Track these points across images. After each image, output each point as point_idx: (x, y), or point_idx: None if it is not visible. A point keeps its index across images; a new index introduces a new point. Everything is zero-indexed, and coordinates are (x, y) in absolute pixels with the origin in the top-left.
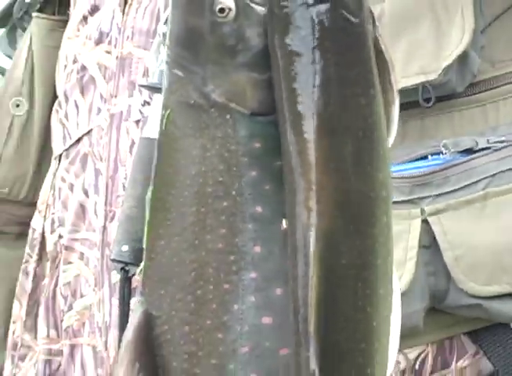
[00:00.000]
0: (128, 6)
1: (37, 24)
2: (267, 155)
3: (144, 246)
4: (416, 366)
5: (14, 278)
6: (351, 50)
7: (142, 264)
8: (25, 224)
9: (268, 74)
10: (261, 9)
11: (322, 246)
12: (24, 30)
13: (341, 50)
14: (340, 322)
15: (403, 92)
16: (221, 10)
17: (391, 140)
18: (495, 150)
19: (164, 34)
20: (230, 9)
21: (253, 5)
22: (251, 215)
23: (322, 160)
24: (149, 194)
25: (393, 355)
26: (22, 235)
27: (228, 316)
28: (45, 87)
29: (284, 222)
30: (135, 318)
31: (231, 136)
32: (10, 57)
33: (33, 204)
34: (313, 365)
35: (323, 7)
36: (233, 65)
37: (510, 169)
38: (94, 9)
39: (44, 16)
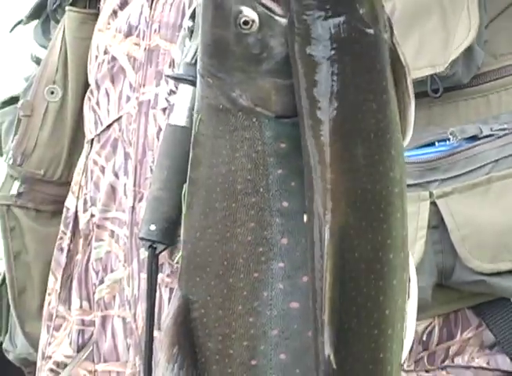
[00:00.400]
0: (155, 2)
1: (70, 17)
2: (291, 154)
3: (181, 238)
4: (424, 338)
5: (49, 253)
6: (365, 59)
7: (179, 254)
8: (59, 202)
9: (291, 79)
10: (282, 20)
11: (337, 241)
12: (57, 22)
13: (356, 59)
14: (353, 310)
15: (413, 83)
16: (246, 23)
17: (407, 140)
18: (498, 137)
19: (189, 28)
20: (254, 21)
21: (275, 16)
22: (278, 209)
23: (337, 161)
24: (184, 190)
25: (409, 340)
26: (56, 213)
27: (258, 301)
28: (78, 75)
29: (305, 216)
30: (173, 303)
31: (258, 138)
32: (44, 47)
33: (66, 184)
34: (327, 350)
35: (339, 19)
36: (258, 72)
37: (511, 155)
38: (123, 4)
39: (76, 9)
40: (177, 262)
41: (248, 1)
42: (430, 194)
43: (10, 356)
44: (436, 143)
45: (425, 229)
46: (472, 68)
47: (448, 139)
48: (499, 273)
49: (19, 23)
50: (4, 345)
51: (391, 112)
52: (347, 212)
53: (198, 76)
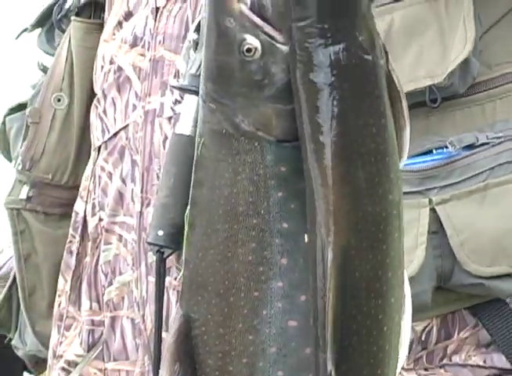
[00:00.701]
0: (159, 14)
1: (75, 27)
2: (291, 177)
3: (183, 257)
4: (423, 338)
5: (58, 255)
6: (364, 84)
7: (181, 273)
8: (66, 205)
9: (292, 105)
10: (283, 48)
11: (339, 261)
12: (62, 31)
13: (356, 84)
14: (354, 328)
15: (412, 93)
16: (249, 50)
17: (403, 161)
18: (493, 145)
19: (194, 41)
20: (256, 49)
21: (276, 44)
22: (278, 230)
23: (339, 183)
24: (187, 212)
25: (404, 351)
26: (64, 216)
27: (257, 319)
28: (83, 83)
29: (306, 236)
30: (176, 321)
31: (259, 161)
32: (49, 54)
33: (73, 188)
34: (330, 366)
35: (340, 46)
36: (260, 98)
37: (506, 162)
38: (128, 15)
39: (81, 19)
40: None
41: (251, 29)
42: (430, 201)
43: (19, 353)
44: (434, 151)
45: (425, 235)
46: (468, 79)
47: (446, 147)
48: (496, 276)
49: (24, 31)
50: (14, 342)
51: (389, 136)
52: (349, 233)
53: (200, 101)
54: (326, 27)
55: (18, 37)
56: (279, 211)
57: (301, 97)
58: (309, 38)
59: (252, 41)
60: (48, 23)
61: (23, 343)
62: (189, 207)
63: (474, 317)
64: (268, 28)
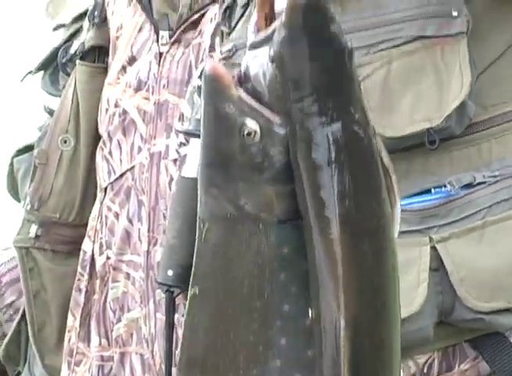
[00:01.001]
0: (162, 59)
1: (80, 71)
2: (293, 258)
3: (182, 336)
4: (425, 370)
5: (66, 291)
6: (362, 160)
7: (179, 349)
8: (72, 243)
9: (290, 185)
10: (281, 130)
11: (351, 330)
12: (67, 74)
13: (355, 160)
14: None
15: (410, 136)
16: (249, 134)
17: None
18: (490, 184)
19: (198, 86)
20: (256, 132)
21: (274, 126)
22: (280, 312)
23: (346, 257)
24: (190, 293)
25: None
26: (71, 253)
27: None
28: (89, 125)
29: (310, 311)
30: None
31: (264, 243)
32: (53, 95)
33: (79, 226)
34: None
35: (338, 125)
36: (261, 180)
37: (503, 200)
38: (132, 60)
39: (86, 63)
40: None
41: (250, 113)
42: (430, 239)
43: None
44: (432, 190)
45: (427, 272)
46: (465, 120)
47: (445, 186)
48: (495, 311)
49: (28, 73)
50: (23, 375)
51: (387, 209)
52: (358, 304)
53: (200, 187)
54: (324, 106)
55: (23, 79)
56: (282, 293)
57: (303, 175)
58: (309, 118)
59: (252, 125)
60: (52, 66)
61: (32, 375)
62: (190, 287)
63: (474, 350)
64: (266, 112)
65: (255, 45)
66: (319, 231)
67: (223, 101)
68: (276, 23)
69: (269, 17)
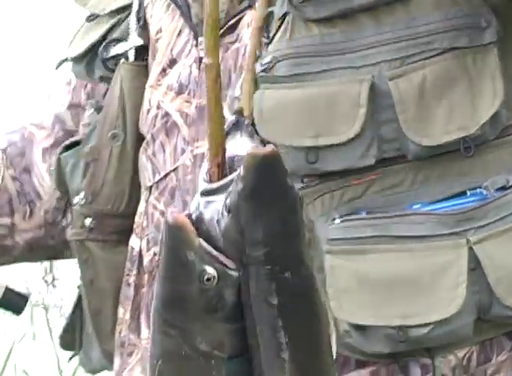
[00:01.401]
0: (202, 63)
1: (125, 68)
2: None
3: None
4: (464, 363)
5: (119, 278)
6: (309, 299)
7: None
8: (121, 233)
9: (241, 322)
10: (235, 273)
11: None
12: (108, 69)
13: (300, 304)
14: None
15: (446, 144)
16: (208, 279)
17: None
18: None
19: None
20: (214, 278)
21: (229, 271)
22: None
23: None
24: None
25: None
26: (120, 242)
27: None
28: (135, 120)
29: None
30: None
31: None
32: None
33: (128, 217)
34: None
35: (289, 272)
36: (214, 320)
37: None
38: (172, 62)
39: (129, 62)
40: None
41: (209, 259)
42: (468, 241)
43: (85, 369)
44: (468, 193)
45: (465, 274)
46: (498, 127)
47: (480, 187)
48: None
49: (64, 61)
50: (80, 360)
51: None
52: None
53: (154, 329)
54: (276, 255)
55: (58, 66)
56: None
57: (255, 313)
58: (260, 266)
59: (211, 271)
60: (88, 58)
61: (89, 360)
62: None
63: (510, 341)
64: (222, 258)
65: (209, 192)
66: (271, 359)
67: (185, 249)
68: (234, 175)
69: (221, 165)
